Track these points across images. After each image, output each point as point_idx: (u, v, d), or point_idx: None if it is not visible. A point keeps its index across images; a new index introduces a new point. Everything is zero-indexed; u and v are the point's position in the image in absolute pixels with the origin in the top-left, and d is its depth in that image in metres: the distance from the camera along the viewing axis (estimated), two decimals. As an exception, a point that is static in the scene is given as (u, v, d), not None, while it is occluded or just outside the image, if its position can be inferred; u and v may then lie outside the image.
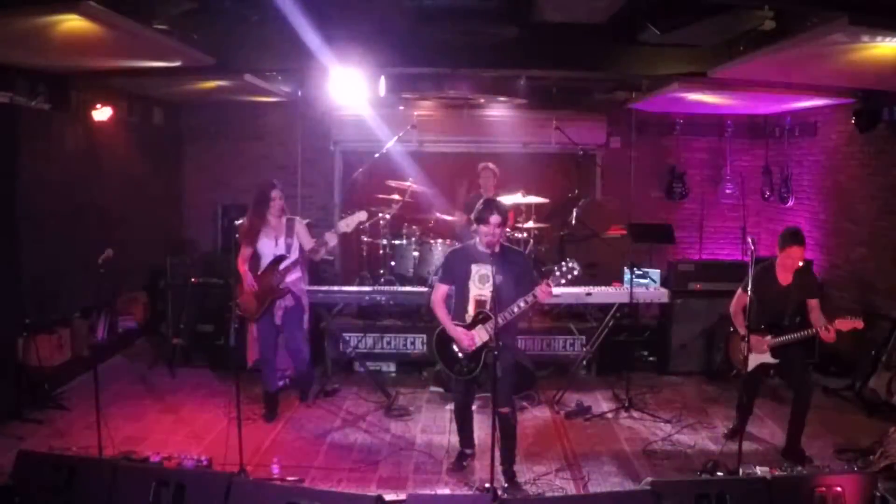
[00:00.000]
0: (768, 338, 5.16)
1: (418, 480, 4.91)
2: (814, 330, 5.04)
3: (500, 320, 4.48)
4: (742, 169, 9.20)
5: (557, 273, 4.57)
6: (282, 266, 5.76)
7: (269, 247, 5.83)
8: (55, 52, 5.27)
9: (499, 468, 4.69)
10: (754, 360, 5.20)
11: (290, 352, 6.09)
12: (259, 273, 5.81)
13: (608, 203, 8.65)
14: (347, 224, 5.78)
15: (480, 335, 4.67)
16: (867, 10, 4.10)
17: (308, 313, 6.22)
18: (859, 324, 4.90)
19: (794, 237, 5.10)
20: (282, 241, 5.82)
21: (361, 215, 5.87)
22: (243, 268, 5.80)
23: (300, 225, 5.92)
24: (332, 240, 5.77)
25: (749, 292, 4.64)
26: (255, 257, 5.87)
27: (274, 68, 7.07)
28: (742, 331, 5.20)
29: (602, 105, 8.89)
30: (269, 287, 5.76)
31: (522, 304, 4.58)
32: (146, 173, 8.21)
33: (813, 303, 5.15)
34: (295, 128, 9.10)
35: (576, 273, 4.56)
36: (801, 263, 5.19)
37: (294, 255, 5.82)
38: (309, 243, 5.84)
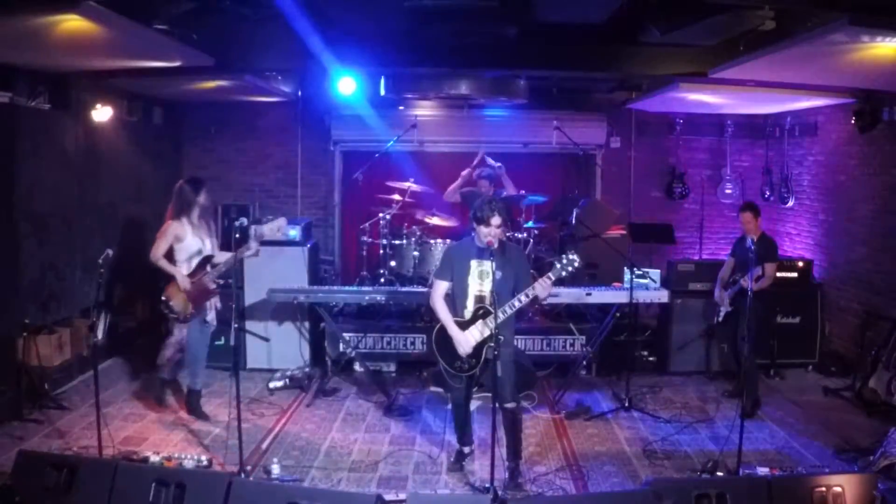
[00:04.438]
0: (727, 291, 6.41)
1: (418, 480, 4.91)
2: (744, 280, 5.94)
3: (500, 314, 4.49)
4: (742, 169, 9.20)
5: (558, 266, 4.61)
6: (211, 267, 5.70)
7: (197, 246, 5.74)
8: (55, 52, 5.27)
9: (499, 468, 4.67)
10: (724, 311, 6.46)
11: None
12: (190, 273, 5.68)
13: (608, 203, 8.64)
14: (270, 229, 5.72)
15: (481, 331, 4.68)
16: (867, 10, 4.10)
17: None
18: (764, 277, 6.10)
19: (743, 205, 6.62)
20: (209, 241, 5.79)
21: (281, 221, 5.88)
22: (172, 267, 5.65)
23: (213, 226, 5.96)
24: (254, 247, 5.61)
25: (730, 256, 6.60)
26: (171, 256, 5.71)
27: (274, 68, 7.07)
28: (718, 286, 6.60)
29: (602, 105, 8.89)
30: (204, 288, 5.69)
31: (523, 299, 4.61)
32: (146, 173, 8.21)
33: (766, 265, 6.09)
34: (295, 128, 9.10)
35: (577, 265, 4.61)
36: (752, 226, 6.34)
37: (218, 255, 5.84)
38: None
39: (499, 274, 4.57)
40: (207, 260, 5.72)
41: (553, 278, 4.62)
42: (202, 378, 6.02)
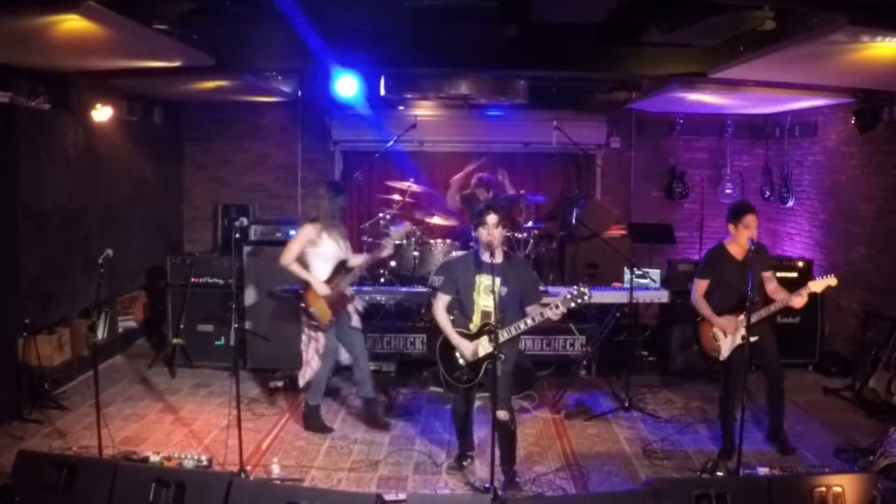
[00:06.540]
0: (740, 317, 4.93)
1: (418, 480, 4.91)
2: (783, 301, 4.97)
3: (504, 334, 4.47)
4: (742, 169, 9.20)
5: (568, 295, 4.50)
6: (346, 271, 5.53)
7: (333, 249, 5.54)
8: (55, 52, 5.27)
9: (498, 469, 4.68)
10: (729, 345, 5.10)
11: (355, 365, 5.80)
12: (328, 279, 5.48)
13: (608, 203, 8.65)
14: (399, 233, 5.83)
15: (484, 346, 4.63)
16: (867, 10, 4.10)
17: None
18: (832, 280, 4.89)
19: (748, 205, 5.08)
20: (343, 243, 5.59)
21: (408, 225, 6.03)
22: (307, 273, 5.45)
23: (344, 230, 5.79)
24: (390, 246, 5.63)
25: (699, 278, 5.18)
26: (303, 260, 5.50)
27: (274, 68, 7.07)
28: (708, 315, 5.13)
29: (602, 105, 8.89)
30: (341, 294, 5.51)
31: (530, 322, 4.54)
32: (146, 173, 8.22)
33: (768, 274, 5.09)
34: (295, 128, 9.10)
35: (586, 298, 4.48)
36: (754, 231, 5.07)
37: (352, 258, 5.66)
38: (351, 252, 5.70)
39: (504, 290, 4.53)
40: (343, 264, 5.54)
41: (563, 308, 4.49)
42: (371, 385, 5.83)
